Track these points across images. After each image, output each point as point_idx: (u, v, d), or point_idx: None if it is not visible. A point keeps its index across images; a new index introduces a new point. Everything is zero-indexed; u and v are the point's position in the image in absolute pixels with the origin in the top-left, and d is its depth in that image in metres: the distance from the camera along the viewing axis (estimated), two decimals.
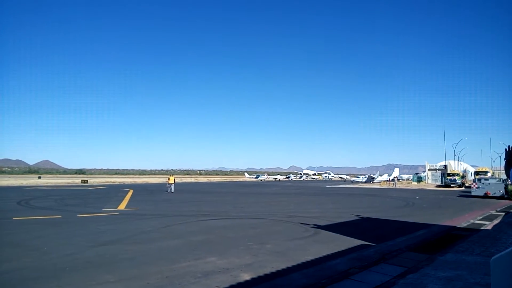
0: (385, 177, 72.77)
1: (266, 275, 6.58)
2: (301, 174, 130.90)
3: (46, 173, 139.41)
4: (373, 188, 50.19)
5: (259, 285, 6.03)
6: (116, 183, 61.77)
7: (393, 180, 59.04)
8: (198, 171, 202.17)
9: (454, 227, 12.83)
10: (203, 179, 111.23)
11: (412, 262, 7.42)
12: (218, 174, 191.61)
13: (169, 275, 6.51)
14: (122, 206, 19.83)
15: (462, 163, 71.03)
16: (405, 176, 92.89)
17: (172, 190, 34.38)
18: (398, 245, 9.35)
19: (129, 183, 64.94)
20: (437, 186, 54.70)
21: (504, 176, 31.10)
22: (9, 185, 49.63)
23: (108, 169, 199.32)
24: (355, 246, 9.23)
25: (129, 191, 36.40)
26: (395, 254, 8.31)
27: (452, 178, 49.74)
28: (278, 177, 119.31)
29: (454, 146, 64.19)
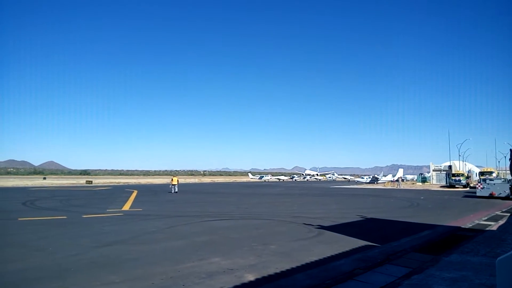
0: (389, 177, 72.30)
1: (270, 275, 6.58)
2: (303, 174, 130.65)
3: (51, 174, 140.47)
4: (377, 188, 49.98)
5: (263, 285, 6.03)
6: (120, 184, 62.11)
7: (397, 180, 58.72)
8: (201, 172, 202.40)
9: (459, 227, 12.75)
10: (206, 179, 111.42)
11: (417, 262, 7.38)
12: (222, 175, 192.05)
13: (174, 276, 6.53)
14: (126, 207, 19.92)
15: (466, 163, 70.63)
16: (409, 177, 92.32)
17: (176, 191, 34.49)
18: (402, 246, 9.31)
19: (133, 183, 65.25)
20: (441, 186, 54.35)
21: (509, 177, 30.88)
22: (15, 186, 50.06)
23: (112, 170, 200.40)
24: (360, 247, 9.19)
25: (133, 191, 36.57)
26: (399, 254, 8.27)
27: (457, 178, 49.40)
28: (282, 177, 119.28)
29: (458, 146, 63.90)
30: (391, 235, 11.26)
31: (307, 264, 7.43)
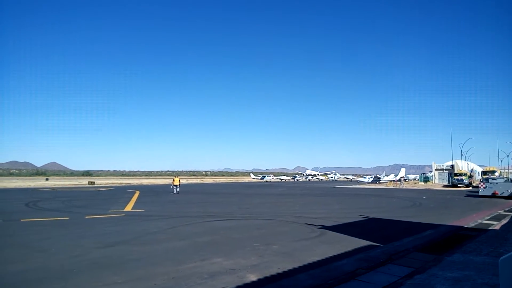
0: (391, 177, 72.20)
1: (272, 276, 6.57)
2: (304, 174, 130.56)
3: (54, 175, 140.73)
4: (380, 188, 49.89)
5: (265, 286, 6.03)
6: (122, 185, 62.26)
7: (399, 180, 58.65)
8: (203, 172, 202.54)
9: (462, 227, 12.71)
10: (208, 180, 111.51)
11: (419, 262, 7.37)
12: (224, 175, 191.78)
13: (176, 276, 6.53)
14: (128, 208, 19.96)
15: (469, 162, 70.29)
16: (411, 176, 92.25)
17: (178, 191, 34.53)
18: (405, 246, 9.29)
19: (136, 184, 65.41)
20: (444, 186, 54.21)
21: None
22: (17, 187, 50.25)
23: (114, 170, 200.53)
24: (362, 247, 9.18)
25: (135, 192, 36.65)
26: (402, 254, 8.26)
27: (459, 178, 49.27)
28: (284, 177, 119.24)
29: (461, 145, 63.53)
30: (394, 235, 11.24)
31: (309, 264, 7.43)
